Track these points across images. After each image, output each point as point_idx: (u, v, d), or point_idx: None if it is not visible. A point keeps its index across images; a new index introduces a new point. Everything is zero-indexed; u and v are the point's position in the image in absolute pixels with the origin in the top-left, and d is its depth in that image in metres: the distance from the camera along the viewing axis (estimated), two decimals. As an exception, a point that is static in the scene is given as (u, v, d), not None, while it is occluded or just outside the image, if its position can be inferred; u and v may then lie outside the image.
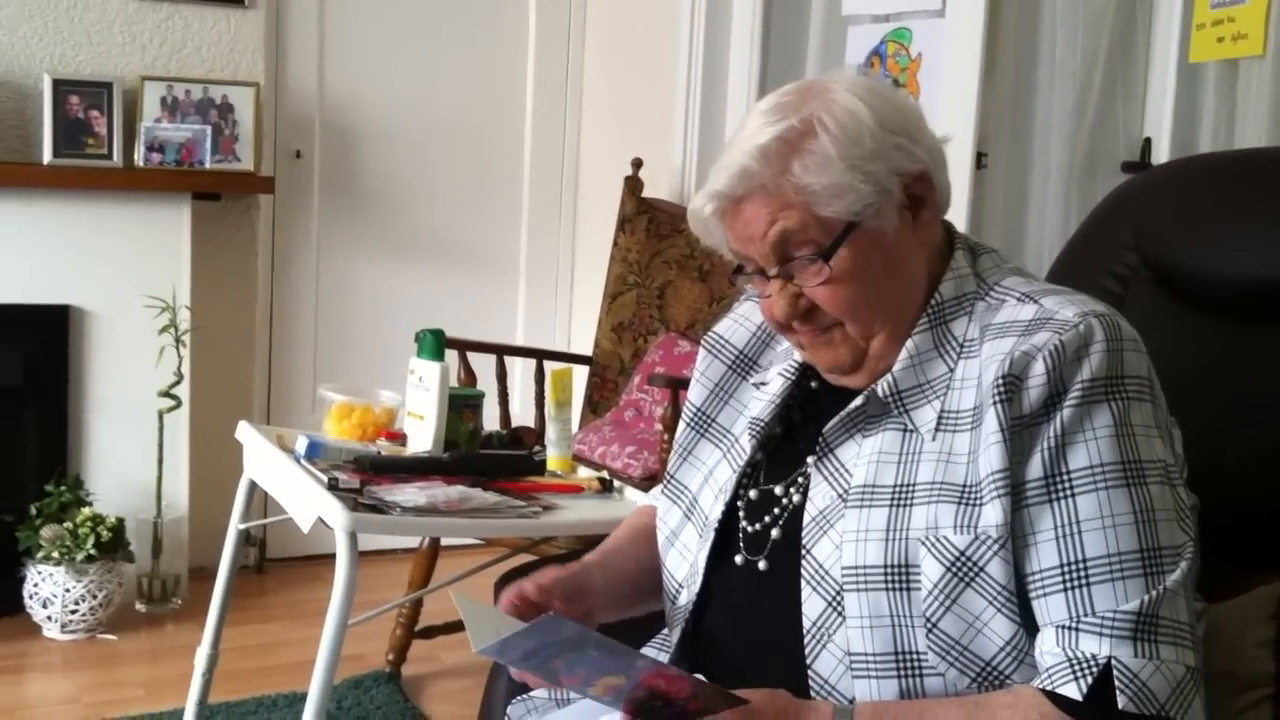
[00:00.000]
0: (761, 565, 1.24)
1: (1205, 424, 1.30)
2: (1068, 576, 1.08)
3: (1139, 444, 1.11)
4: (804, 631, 1.17)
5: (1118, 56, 2.70)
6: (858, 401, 1.20)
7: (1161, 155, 2.62)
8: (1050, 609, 1.09)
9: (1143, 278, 1.55)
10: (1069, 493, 1.09)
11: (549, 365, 2.92)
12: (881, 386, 1.19)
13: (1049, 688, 1.07)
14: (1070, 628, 1.08)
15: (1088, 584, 1.08)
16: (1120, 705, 1.04)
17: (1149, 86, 2.70)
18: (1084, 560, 1.08)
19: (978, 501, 1.11)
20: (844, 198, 1.15)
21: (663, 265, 3.42)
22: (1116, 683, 1.05)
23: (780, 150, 1.16)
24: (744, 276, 1.24)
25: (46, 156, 3.22)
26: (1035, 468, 1.10)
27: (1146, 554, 1.08)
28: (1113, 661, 1.05)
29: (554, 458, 2.18)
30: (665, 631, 1.38)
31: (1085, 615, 1.07)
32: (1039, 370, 1.10)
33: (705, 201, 1.20)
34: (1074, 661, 1.06)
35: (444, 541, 2.96)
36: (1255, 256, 1.44)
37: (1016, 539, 1.10)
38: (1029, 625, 1.11)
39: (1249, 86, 2.38)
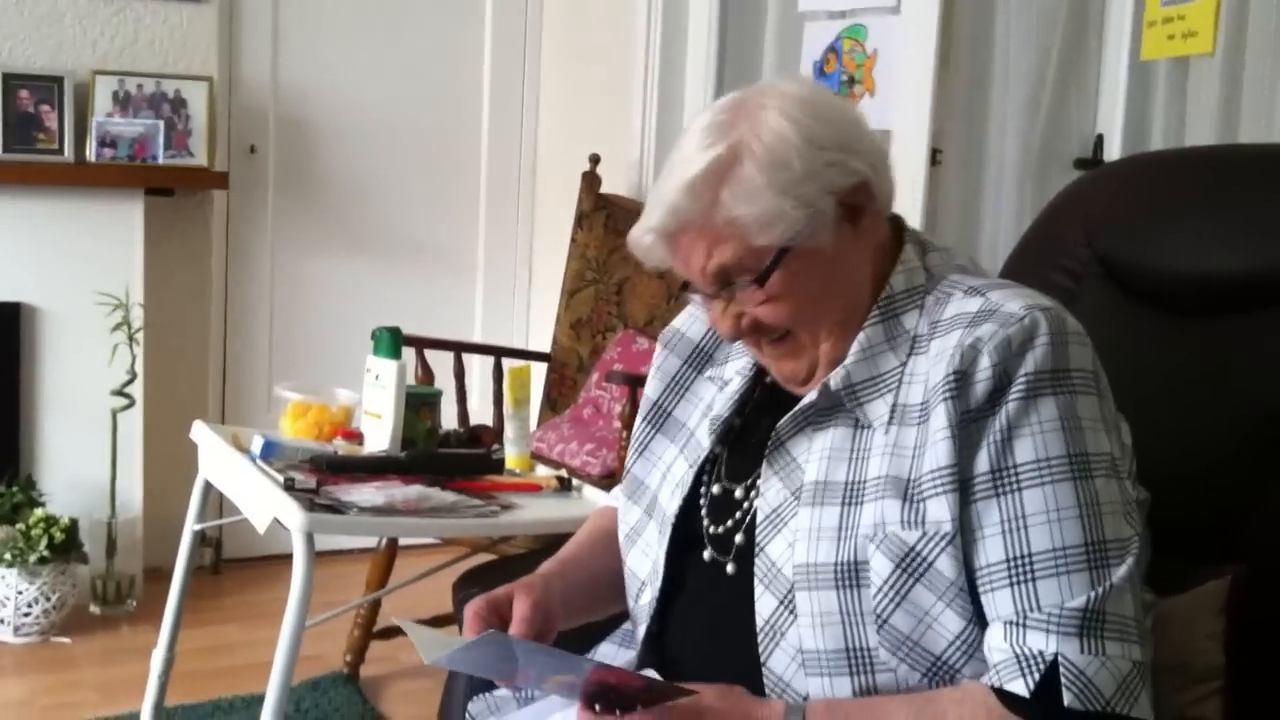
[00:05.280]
0: (730, 569, 1.25)
1: (1155, 417, 1.32)
2: (1014, 571, 1.09)
3: (1085, 437, 1.11)
4: (756, 630, 1.17)
5: (1070, 53, 2.73)
6: (811, 396, 1.21)
7: (1114, 152, 2.65)
8: (997, 604, 1.10)
9: (1094, 273, 1.57)
10: (1015, 487, 1.10)
11: (507, 363, 2.91)
12: (834, 379, 1.20)
13: (997, 684, 1.08)
14: (1017, 624, 1.08)
15: (1033, 579, 1.08)
16: (1066, 702, 1.05)
17: (1101, 83, 2.73)
18: (1029, 555, 1.09)
19: (919, 497, 1.12)
20: (775, 226, 1.16)
21: (621, 261, 3.41)
22: (1063, 679, 1.06)
23: (709, 181, 1.17)
24: (692, 292, 1.27)
25: (-5, 152, 3.18)
26: (982, 462, 1.11)
27: (1092, 548, 1.09)
28: (1059, 658, 1.06)
29: (512, 456, 2.17)
30: (627, 625, 1.38)
31: (1031, 610, 1.08)
32: (985, 364, 1.11)
33: (643, 234, 1.24)
34: (1021, 658, 1.07)
35: (402, 541, 2.94)
36: (1203, 251, 1.46)
37: (965, 534, 1.11)
38: (979, 619, 1.11)
39: (1199, 84, 2.42)
